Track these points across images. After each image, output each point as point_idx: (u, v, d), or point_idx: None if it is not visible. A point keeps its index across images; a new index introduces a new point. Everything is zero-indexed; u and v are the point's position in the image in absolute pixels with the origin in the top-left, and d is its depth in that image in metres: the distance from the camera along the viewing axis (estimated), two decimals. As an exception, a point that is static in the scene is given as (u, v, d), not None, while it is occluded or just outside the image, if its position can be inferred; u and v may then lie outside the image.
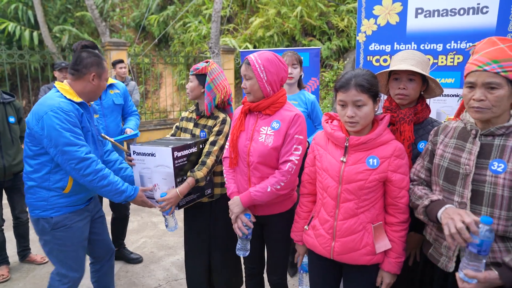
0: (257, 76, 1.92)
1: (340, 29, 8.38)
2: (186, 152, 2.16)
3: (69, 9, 11.02)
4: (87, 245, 2.31)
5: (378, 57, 3.55)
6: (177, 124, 2.54)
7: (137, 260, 3.57)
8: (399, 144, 1.71)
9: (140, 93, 9.98)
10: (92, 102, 2.37)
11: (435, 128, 1.72)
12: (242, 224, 1.97)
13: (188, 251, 2.52)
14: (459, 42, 3.30)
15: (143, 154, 2.18)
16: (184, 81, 9.92)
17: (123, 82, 5.15)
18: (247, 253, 2.05)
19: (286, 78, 2.01)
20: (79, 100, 2.13)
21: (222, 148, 2.25)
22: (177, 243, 3.93)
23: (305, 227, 1.90)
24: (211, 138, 2.27)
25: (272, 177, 1.93)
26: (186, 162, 2.18)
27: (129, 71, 6.30)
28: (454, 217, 1.36)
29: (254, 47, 8.75)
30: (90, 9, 9.03)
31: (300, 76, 3.06)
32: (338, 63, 8.23)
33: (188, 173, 2.20)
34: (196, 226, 2.45)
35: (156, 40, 10.64)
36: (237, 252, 2.06)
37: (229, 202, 2.03)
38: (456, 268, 1.51)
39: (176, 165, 2.11)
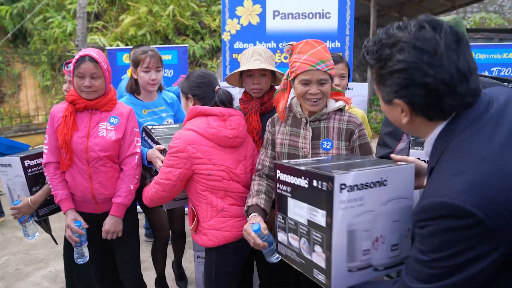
0: (105, 73, 1.95)
1: (212, 29, 8.64)
2: (42, 159, 2.04)
3: None
4: None
5: (243, 55, 3.82)
6: None
7: None
8: None
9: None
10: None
11: (270, 119, 1.88)
12: (72, 233, 1.95)
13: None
14: (310, 42, 3.74)
15: (5, 165, 2.07)
16: (49, 82, 9.03)
17: None
18: (88, 258, 2.04)
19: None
20: None
21: None
22: (48, 255, 3.63)
23: None
24: None
25: (125, 176, 2.02)
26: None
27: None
28: (248, 231, 1.58)
29: (126, 45, 8.43)
30: None
31: None
32: (212, 61, 8.48)
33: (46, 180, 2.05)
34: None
35: (9, 35, 9.43)
36: (76, 261, 2.02)
37: (107, 226, 1.99)
38: None
39: (29, 174, 2.02)
